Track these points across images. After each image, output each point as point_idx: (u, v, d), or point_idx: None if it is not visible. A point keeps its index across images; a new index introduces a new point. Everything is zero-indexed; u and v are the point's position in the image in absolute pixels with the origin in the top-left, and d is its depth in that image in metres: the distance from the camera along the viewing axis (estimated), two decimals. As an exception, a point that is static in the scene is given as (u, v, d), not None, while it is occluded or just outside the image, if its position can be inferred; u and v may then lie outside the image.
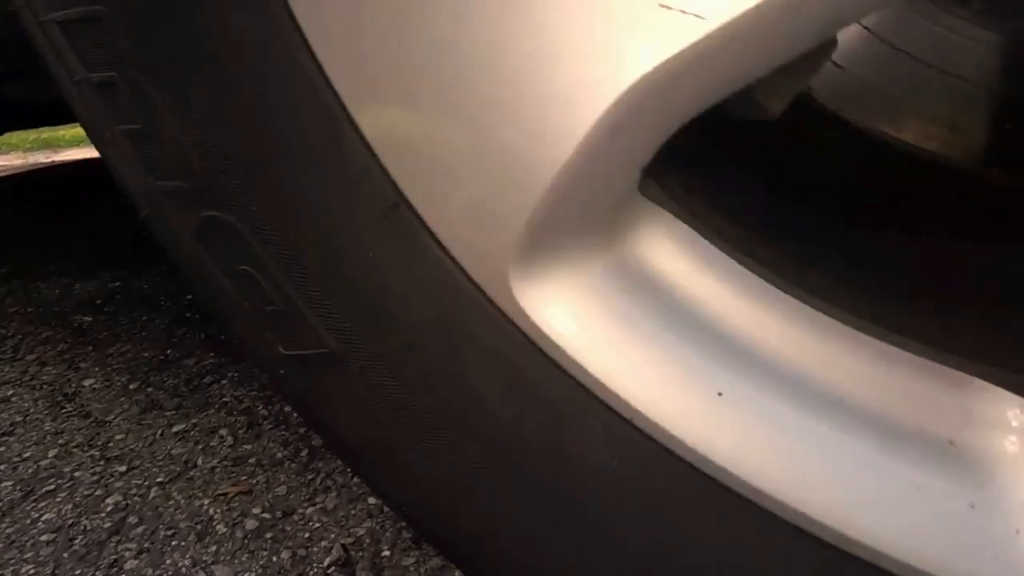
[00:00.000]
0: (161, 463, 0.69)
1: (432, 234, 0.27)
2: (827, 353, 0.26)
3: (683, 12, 0.18)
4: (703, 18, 0.17)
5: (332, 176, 0.27)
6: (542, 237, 0.25)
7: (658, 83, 0.19)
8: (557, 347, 0.26)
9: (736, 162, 0.29)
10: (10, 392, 0.87)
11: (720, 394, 0.26)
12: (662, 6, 0.18)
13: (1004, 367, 0.24)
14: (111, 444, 0.73)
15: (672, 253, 0.27)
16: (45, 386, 0.88)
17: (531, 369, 0.27)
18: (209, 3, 0.25)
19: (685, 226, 0.26)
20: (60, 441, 0.74)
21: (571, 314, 0.26)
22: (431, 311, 0.27)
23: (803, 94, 0.28)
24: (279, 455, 0.69)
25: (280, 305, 0.29)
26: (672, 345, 0.27)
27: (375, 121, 0.26)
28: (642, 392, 0.26)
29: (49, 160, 2.93)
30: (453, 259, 0.27)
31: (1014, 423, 0.24)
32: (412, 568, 0.52)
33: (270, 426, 0.74)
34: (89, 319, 1.10)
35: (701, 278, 0.27)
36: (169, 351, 0.95)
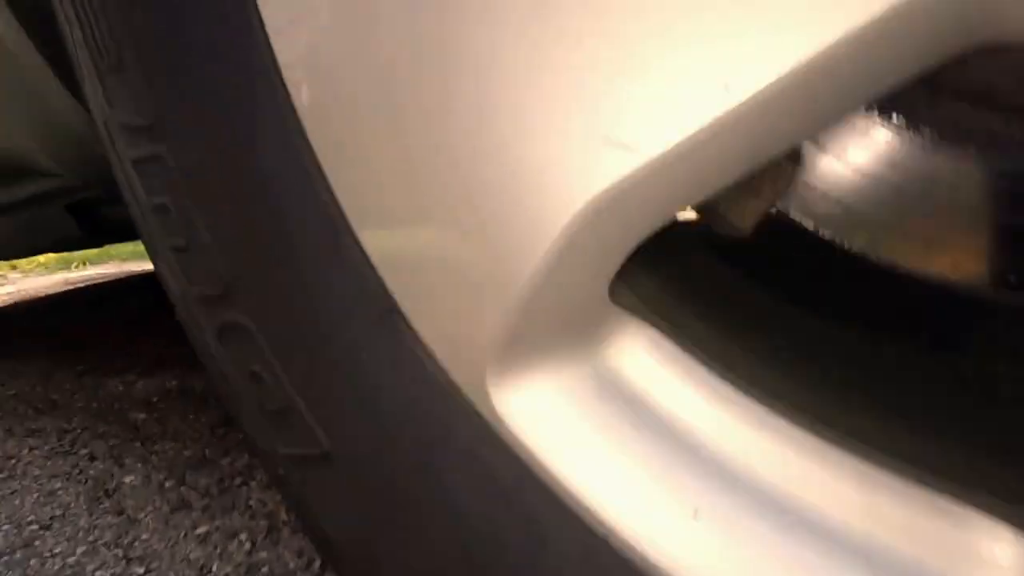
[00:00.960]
0: (179, 567, 0.68)
1: (419, 339, 0.29)
2: (808, 472, 0.25)
3: (620, 144, 0.20)
4: (635, 151, 0.20)
5: (335, 284, 0.30)
6: (516, 345, 0.27)
7: (605, 206, 0.21)
8: (532, 455, 0.27)
9: (706, 272, 0.30)
10: (57, 485, 0.91)
11: (696, 512, 0.25)
12: (606, 141, 0.21)
13: (1004, 499, 0.22)
14: (136, 543, 0.74)
15: (644, 361, 0.27)
16: (90, 480, 0.92)
17: (508, 476, 0.27)
18: (240, 148, 0.30)
19: (656, 332, 0.27)
20: (90, 538, 0.76)
21: (545, 422, 0.27)
22: (414, 413, 0.28)
23: (778, 212, 0.29)
24: (292, 565, 0.67)
25: (281, 404, 0.31)
26: (646, 460, 0.26)
27: (375, 239, 0.29)
28: (615, 509, 0.26)
29: (142, 269, 3.25)
30: (437, 363, 0.28)
31: (1009, 561, 0.22)
32: None
33: (288, 533, 0.73)
34: (143, 416, 1.16)
35: (674, 387, 0.27)
36: (207, 450, 0.98)
